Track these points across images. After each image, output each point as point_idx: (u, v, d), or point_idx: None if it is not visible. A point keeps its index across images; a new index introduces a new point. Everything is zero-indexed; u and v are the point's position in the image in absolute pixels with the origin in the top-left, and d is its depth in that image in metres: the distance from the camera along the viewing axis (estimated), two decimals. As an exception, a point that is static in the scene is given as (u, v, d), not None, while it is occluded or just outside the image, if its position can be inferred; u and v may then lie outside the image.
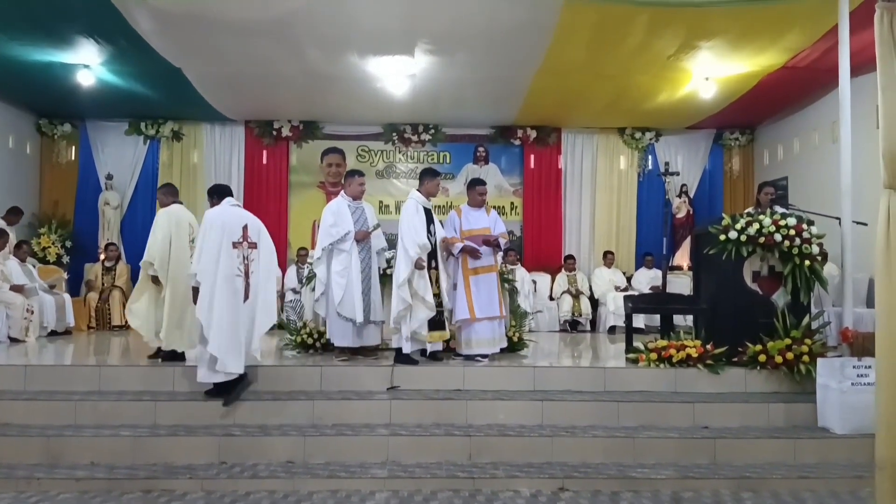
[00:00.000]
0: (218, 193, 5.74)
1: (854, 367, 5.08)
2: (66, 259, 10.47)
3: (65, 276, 9.78)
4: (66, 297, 9.03)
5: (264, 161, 11.33)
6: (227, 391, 5.21)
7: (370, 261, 6.23)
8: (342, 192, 6.41)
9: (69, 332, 8.84)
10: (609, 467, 4.72)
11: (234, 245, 5.29)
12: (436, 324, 6.09)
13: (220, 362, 5.09)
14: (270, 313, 5.56)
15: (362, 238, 6.18)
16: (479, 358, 6.08)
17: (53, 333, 8.49)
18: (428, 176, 6.32)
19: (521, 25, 7.09)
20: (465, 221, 6.41)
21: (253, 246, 5.41)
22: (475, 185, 6.59)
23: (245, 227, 5.41)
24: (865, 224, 5.98)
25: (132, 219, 11.14)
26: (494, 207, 7.50)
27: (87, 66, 8.40)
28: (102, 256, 10.14)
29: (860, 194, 6.13)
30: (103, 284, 9.89)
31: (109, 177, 10.95)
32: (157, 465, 4.67)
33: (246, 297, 5.31)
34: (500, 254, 6.38)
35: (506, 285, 6.83)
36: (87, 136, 11.13)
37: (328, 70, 8.52)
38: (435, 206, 6.82)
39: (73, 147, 11.16)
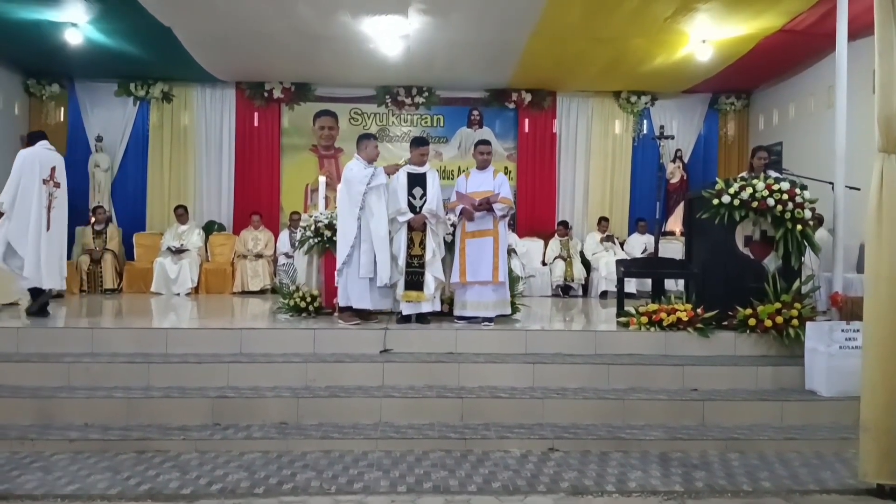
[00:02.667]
0: (31, 138, 6.74)
1: (843, 330, 5.12)
2: (56, 222, 10.39)
3: (56, 238, 9.72)
4: (58, 259, 8.99)
5: (256, 123, 11.23)
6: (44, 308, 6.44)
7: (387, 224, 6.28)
8: (356, 154, 6.42)
9: (61, 296, 8.80)
10: (599, 428, 4.78)
11: (44, 182, 6.33)
12: (413, 284, 6.20)
13: (31, 278, 6.23)
14: (64, 246, 6.73)
15: (392, 171, 6.34)
16: (485, 323, 6.12)
17: (45, 296, 8.46)
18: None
19: (517, -15, 6.99)
20: (470, 184, 6.43)
21: (57, 185, 6.48)
22: (477, 145, 6.65)
23: (54, 169, 6.45)
24: (858, 189, 5.98)
25: (123, 181, 11.10)
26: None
27: (74, 25, 8.26)
28: (92, 219, 10.08)
29: (854, 160, 6.11)
30: (95, 247, 9.86)
31: (99, 138, 10.84)
32: (151, 425, 4.70)
33: (48, 227, 6.35)
34: (501, 218, 6.25)
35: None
36: (75, 96, 10.99)
37: (320, 30, 8.40)
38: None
39: (62, 108, 11.02)
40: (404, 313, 6.22)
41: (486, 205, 6.15)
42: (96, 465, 4.16)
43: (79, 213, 10.57)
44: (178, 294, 9.61)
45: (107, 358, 5.37)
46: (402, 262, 6.18)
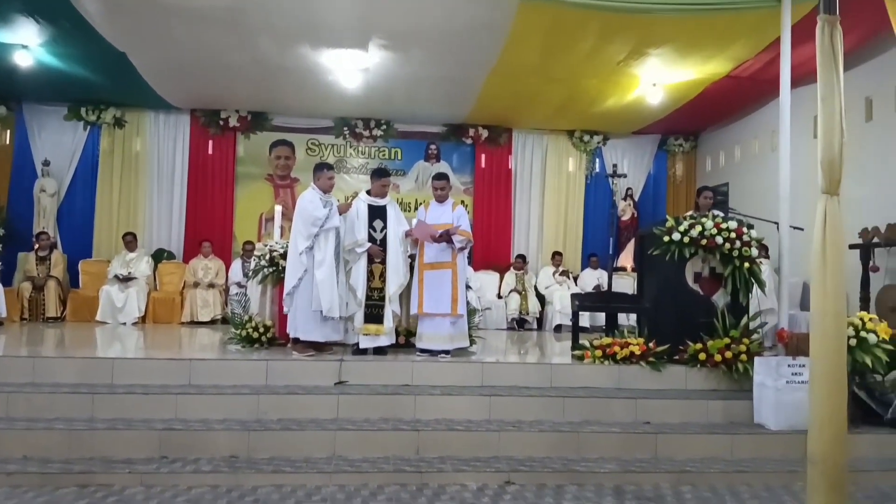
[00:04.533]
0: None
1: (789, 365, 5.26)
2: (-2, 247, 10.04)
3: (-3, 265, 9.38)
4: (-2, 286, 8.66)
5: (210, 151, 11.10)
6: None
7: (340, 255, 6.22)
8: (312, 184, 6.38)
9: (1, 323, 8.49)
10: (554, 461, 4.79)
11: None
12: (373, 317, 6.17)
13: None
14: None
15: (345, 210, 6.26)
16: (442, 355, 6.07)
17: (-17, 324, 8.15)
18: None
19: (477, 25, 7.15)
20: (429, 216, 6.44)
21: None
22: (433, 179, 6.67)
23: None
24: (801, 229, 6.22)
25: (70, 207, 10.78)
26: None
27: (25, 47, 8.09)
28: (36, 245, 9.76)
29: (797, 200, 6.38)
30: (38, 274, 9.53)
31: (46, 163, 10.54)
32: (94, 458, 4.52)
33: None
34: (460, 251, 6.26)
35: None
36: (23, 119, 10.68)
37: (279, 60, 8.41)
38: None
39: (9, 131, 10.68)
40: (361, 346, 6.17)
41: (446, 236, 6.17)
42: (35, 500, 3.97)
43: (22, 238, 10.26)
44: (125, 323, 9.33)
45: (49, 388, 5.17)
46: (361, 294, 6.14)
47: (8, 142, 10.68)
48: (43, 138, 10.71)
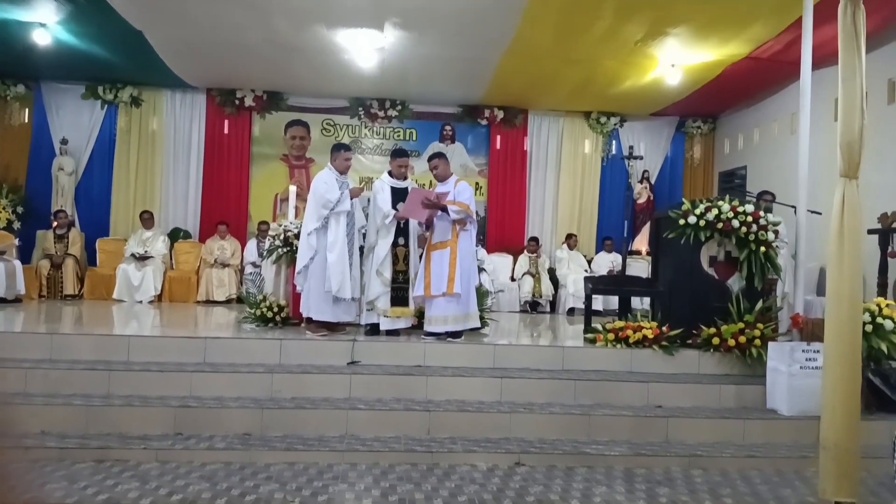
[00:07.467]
0: None
1: (803, 351, 5.23)
2: (16, 225, 10.14)
3: (16, 242, 9.46)
4: (17, 263, 8.77)
5: (226, 131, 11.10)
6: None
7: (353, 237, 6.23)
8: (329, 164, 6.37)
9: (19, 300, 8.62)
10: (564, 443, 4.80)
11: None
12: (399, 300, 6.19)
13: None
14: None
15: (357, 194, 6.24)
16: (449, 338, 6.05)
17: (2, 301, 8.26)
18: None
19: (491, 5, 7.07)
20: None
21: None
22: (428, 160, 6.68)
23: None
24: (819, 213, 6.14)
25: (87, 185, 10.87)
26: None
27: (43, 25, 8.11)
28: (54, 223, 9.87)
29: (816, 185, 6.28)
30: (56, 252, 9.64)
31: (64, 141, 10.61)
32: (111, 434, 4.59)
33: None
34: (459, 226, 6.11)
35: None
36: (41, 98, 10.75)
37: (295, 40, 8.37)
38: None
39: (27, 109, 10.77)
40: (383, 328, 6.18)
41: (439, 203, 6.04)
42: (52, 474, 4.05)
43: (41, 216, 10.37)
44: (141, 302, 9.44)
45: (66, 365, 5.25)
46: (388, 276, 6.15)
47: (27, 120, 10.77)
48: (61, 117, 10.78)
